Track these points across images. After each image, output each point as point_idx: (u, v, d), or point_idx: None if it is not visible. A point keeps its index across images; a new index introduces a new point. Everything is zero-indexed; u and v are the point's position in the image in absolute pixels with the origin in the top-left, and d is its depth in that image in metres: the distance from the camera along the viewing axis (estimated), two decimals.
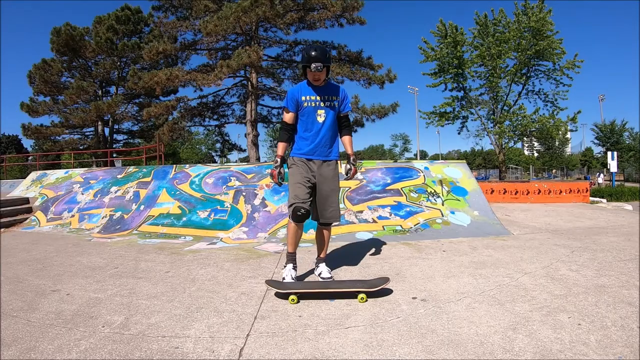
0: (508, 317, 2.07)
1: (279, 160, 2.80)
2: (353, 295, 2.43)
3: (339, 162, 2.97)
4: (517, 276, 2.87)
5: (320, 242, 2.94)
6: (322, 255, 2.96)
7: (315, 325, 2.05)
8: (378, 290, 2.45)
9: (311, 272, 3.07)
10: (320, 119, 2.85)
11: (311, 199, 2.80)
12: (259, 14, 12.63)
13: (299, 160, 2.85)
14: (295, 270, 2.81)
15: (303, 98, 2.83)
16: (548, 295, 2.42)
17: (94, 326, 2.08)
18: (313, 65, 2.69)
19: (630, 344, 1.72)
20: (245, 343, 1.85)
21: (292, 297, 2.41)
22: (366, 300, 2.38)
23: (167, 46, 14.73)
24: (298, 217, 2.69)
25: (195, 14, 14.68)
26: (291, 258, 2.83)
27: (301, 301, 2.43)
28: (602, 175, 25.90)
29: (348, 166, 2.90)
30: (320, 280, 2.82)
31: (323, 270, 2.89)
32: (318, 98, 2.83)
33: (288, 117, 2.87)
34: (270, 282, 2.61)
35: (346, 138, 3.01)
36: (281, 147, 2.86)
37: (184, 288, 2.76)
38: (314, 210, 2.87)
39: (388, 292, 2.55)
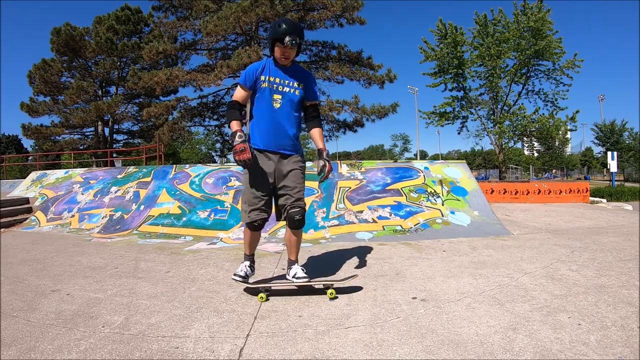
0: (508, 317, 2.07)
1: (242, 134, 2.32)
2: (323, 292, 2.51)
3: (302, 158, 2.59)
4: (517, 276, 2.87)
5: (289, 243, 2.62)
6: (292, 258, 2.66)
7: (315, 325, 2.05)
8: (344, 282, 2.54)
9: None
10: (276, 105, 2.45)
11: (270, 199, 2.52)
12: (259, 14, 12.63)
13: (256, 152, 2.46)
14: (252, 270, 2.64)
15: (262, 77, 2.44)
16: (548, 295, 2.42)
17: (94, 326, 2.08)
18: (287, 38, 2.31)
19: (630, 344, 1.72)
20: (245, 343, 1.85)
21: (261, 294, 2.45)
22: (335, 297, 2.45)
23: (167, 46, 14.74)
24: (255, 227, 2.51)
25: (195, 14, 14.69)
26: (249, 258, 2.66)
27: (301, 301, 2.43)
28: None
29: (321, 162, 2.46)
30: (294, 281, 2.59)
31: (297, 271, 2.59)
32: (278, 80, 2.45)
33: (240, 95, 2.47)
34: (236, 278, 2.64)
35: (315, 131, 2.58)
36: (236, 123, 2.39)
37: (184, 288, 2.76)
38: (277, 209, 2.58)
39: (358, 289, 2.62)
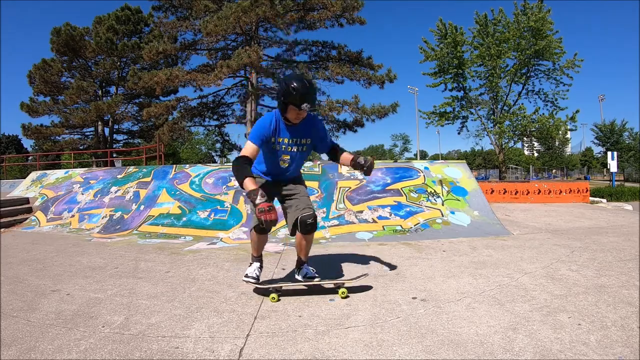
0: (508, 317, 2.07)
1: (263, 192, 2.20)
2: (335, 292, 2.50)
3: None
4: (517, 276, 2.87)
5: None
6: (302, 258, 2.71)
7: (315, 325, 2.05)
8: (354, 282, 2.59)
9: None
10: (284, 164, 2.49)
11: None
12: (259, 14, 12.63)
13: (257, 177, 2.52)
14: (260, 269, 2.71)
15: (273, 139, 2.40)
16: (548, 295, 2.42)
17: (94, 326, 2.08)
18: (305, 105, 2.25)
19: (630, 344, 1.72)
20: (245, 343, 1.85)
21: (272, 295, 2.49)
22: (347, 296, 2.48)
23: (167, 46, 14.74)
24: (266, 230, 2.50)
25: (195, 14, 14.69)
26: (258, 259, 2.72)
27: (301, 301, 2.43)
28: None
29: (361, 160, 2.48)
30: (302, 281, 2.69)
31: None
32: (287, 141, 2.42)
33: (251, 150, 2.32)
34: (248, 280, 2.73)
35: (344, 155, 2.60)
36: (251, 181, 2.23)
37: (184, 288, 2.76)
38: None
39: (358, 289, 2.61)
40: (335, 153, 2.63)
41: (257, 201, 2.15)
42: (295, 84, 2.26)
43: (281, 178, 2.59)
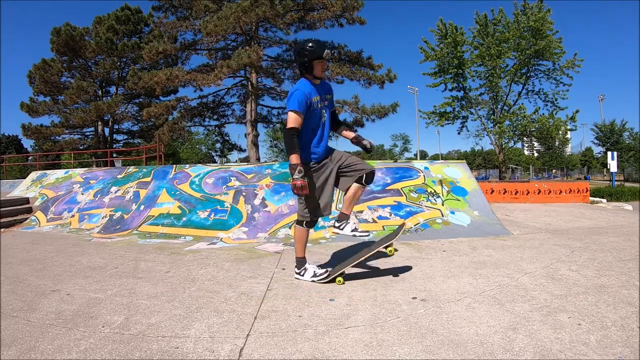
0: (508, 317, 2.07)
1: (301, 168, 2.48)
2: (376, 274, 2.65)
3: None
4: (517, 276, 2.87)
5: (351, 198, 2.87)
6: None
7: (315, 325, 2.05)
8: (397, 239, 2.88)
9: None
10: (324, 120, 2.75)
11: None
12: (259, 14, 12.62)
13: (316, 164, 2.73)
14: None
15: (314, 99, 2.64)
16: (548, 295, 2.42)
17: (94, 326, 2.08)
18: (327, 51, 2.57)
19: (630, 344, 1.72)
20: (245, 343, 1.85)
21: (338, 278, 2.76)
22: (343, 283, 2.75)
23: (167, 46, 14.73)
24: (314, 222, 2.78)
25: (195, 14, 14.68)
26: (305, 261, 2.89)
27: (301, 301, 2.43)
28: None
29: (367, 143, 2.77)
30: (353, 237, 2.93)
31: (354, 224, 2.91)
32: (319, 98, 2.69)
33: (298, 120, 2.55)
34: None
35: (344, 128, 2.95)
36: (296, 156, 2.49)
37: (184, 288, 2.76)
38: (344, 180, 2.82)
39: (369, 288, 2.63)
40: (335, 118, 2.91)
41: (295, 176, 2.45)
42: (309, 43, 2.61)
43: (326, 142, 2.77)
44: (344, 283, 2.73)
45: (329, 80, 15.35)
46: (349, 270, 3.16)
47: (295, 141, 2.52)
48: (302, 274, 2.83)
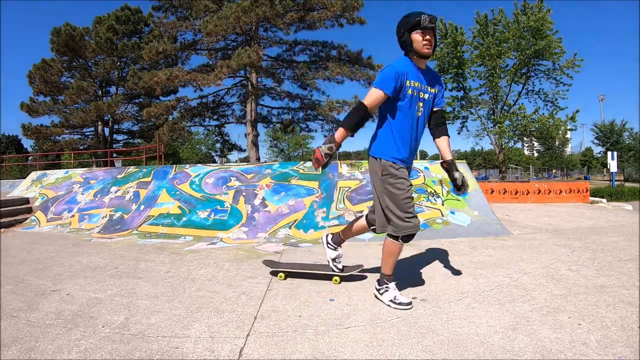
0: (508, 317, 2.07)
1: (334, 147, 2.10)
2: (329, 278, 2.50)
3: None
4: (517, 276, 2.87)
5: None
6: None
7: (315, 325, 2.05)
8: (349, 275, 2.81)
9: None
10: (419, 114, 2.21)
11: None
12: (259, 14, 12.63)
13: (399, 166, 2.22)
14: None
15: (408, 82, 2.11)
16: (548, 295, 2.42)
17: (94, 326, 2.08)
18: (424, 16, 2.03)
19: (630, 344, 1.72)
20: (245, 343, 1.85)
21: (280, 274, 2.90)
22: (340, 283, 2.77)
23: (167, 46, 14.74)
24: (409, 237, 2.24)
25: (195, 14, 14.69)
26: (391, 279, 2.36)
27: (301, 301, 2.43)
28: None
29: (457, 174, 2.22)
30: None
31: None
32: (419, 85, 2.16)
33: (373, 97, 2.11)
34: (266, 262, 3.08)
35: (444, 139, 2.30)
36: (342, 133, 2.11)
37: (184, 288, 2.76)
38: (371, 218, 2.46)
39: (362, 277, 2.81)
40: (438, 122, 2.30)
41: (322, 150, 2.10)
42: (406, 15, 2.15)
43: (411, 148, 2.23)
44: (340, 282, 2.76)
45: (328, 80, 15.37)
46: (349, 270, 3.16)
47: (353, 116, 2.12)
48: (381, 292, 2.35)
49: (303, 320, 2.12)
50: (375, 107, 2.15)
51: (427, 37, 2.08)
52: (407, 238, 2.23)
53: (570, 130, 15.75)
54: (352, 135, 2.19)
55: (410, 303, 2.25)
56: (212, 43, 15.29)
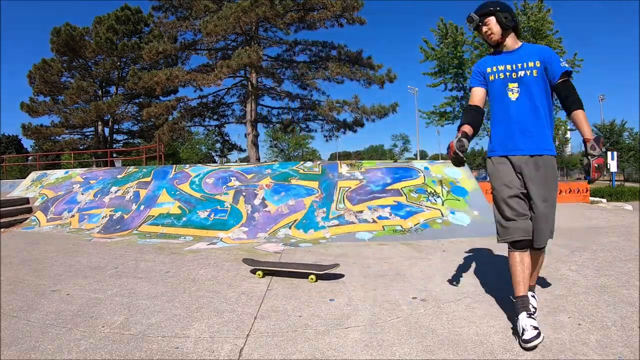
0: (508, 317, 2.07)
1: (459, 134, 1.99)
2: (303, 277, 2.45)
3: (555, 158, 2.01)
4: None
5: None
6: (530, 283, 2.06)
7: (315, 325, 2.05)
8: (325, 273, 2.86)
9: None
10: (513, 96, 2.01)
11: (528, 209, 1.95)
12: (259, 14, 12.62)
13: (496, 161, 2.03)
14: (533, 318, 1.78)
15: (489, 69, 2.07)
16: (548, 295, 2.42)
17: (94, 326, 2.08)
18: (473, 15, 2.04)
19: (630, 344, 1.72)
20: (245, 343, 1.85)
21: (258, 272, 2.95)
22: (316, 281, 2.82)
23: (167, 46, 14.73)
24: (514, 244, 1.91)
25: (195, 14, 14.68)
26: (521, 302, 1.84)
27: (301, 301, 2.43)
28: None
29: (585, 160, 1.88)
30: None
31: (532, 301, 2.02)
32: (507, 67, 2.02)
33: (473, 95, 2.14)
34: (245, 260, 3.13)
35: (577, 113, 1.91)
36: (465, 128, 2.04)
37: (184, 288, 2.76)
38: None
39: (338, 276, 2.70)
40: (561, 97, 1.96)
41: (453, 140, 1.97)
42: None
43: (517, 130, 1.97)
44: (316, 281, 2.82)
45: (328, 80, 15.34)
46: (348, 270, 3.16)
47: (467, 113, 2.12)
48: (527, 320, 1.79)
49: (303, 320, 2.12)
50: (476, 101, 2.16)
51: (489, 27, 2.05)
52: (511, 245, 1.97)
53: (570, 130, 15.76)
54: None
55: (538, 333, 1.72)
56: (212, 43, 15.28)
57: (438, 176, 5.88)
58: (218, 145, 23.31)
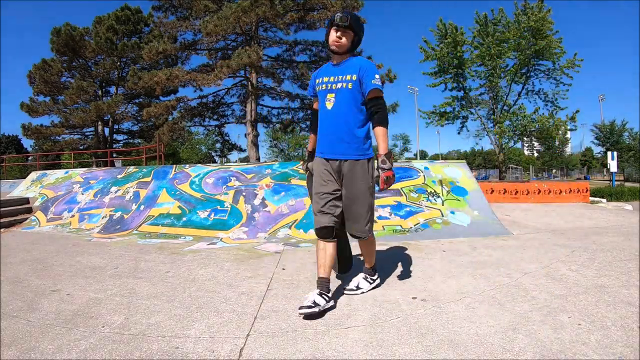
0: (508, 317, 2.07)
1: (306, 155, 2.46)
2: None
3: (369, 161, 2.29)
4: (517, 276, 2.87)
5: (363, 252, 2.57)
6: (366, 265, 2.60)
7: (315, 325, 2.05)
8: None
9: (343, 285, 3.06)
10: (329, 105, 2.27)
11: (339, 206, 2.28)
12: (259, 14, 12.63)
13: (318, 160, 2.34)
14: (325, 299, 2.16)
15: (318, 80, 2.35)
16: (548, 295, 2.42)
17: (94, 326, 2.08)
18: (338, 15, 2.17)
19: (630, 344, 1.72)
20: (245, 343, 1.85)
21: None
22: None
23: (167, 46, 14.73)
24: (319, 232, 2.26)
25: (195, 14, 14.68)
26: (320, 283, 2.23)
27: (301, 301, 2.42)
28: None
29: (376, 172, 2.18)
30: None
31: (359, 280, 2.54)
32: (331, 79, 2.28)
33: (315, 103, 2.46)
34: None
35: (377, 130, 2.20)
36: (310, 140, 2.43)
37: (184, 288, 2.76)
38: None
39: (338, 276, 2.61)
40: (368, 111, 2.25)
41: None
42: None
43: (333, 137, 2.25)
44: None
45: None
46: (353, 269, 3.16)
47: (310, 123, 2.46)
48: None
49: (303, 320, 2.12)
50: (315, 109, 2.49)
51: (336, 35, 2.23)
52: (317, 233, 2.33)
53: (570, 130, 15.76)
54: None
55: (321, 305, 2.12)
56: (212, 43, 15.29)
57: (438, 176, 5.88)
58: (218, 145, 23.32)
